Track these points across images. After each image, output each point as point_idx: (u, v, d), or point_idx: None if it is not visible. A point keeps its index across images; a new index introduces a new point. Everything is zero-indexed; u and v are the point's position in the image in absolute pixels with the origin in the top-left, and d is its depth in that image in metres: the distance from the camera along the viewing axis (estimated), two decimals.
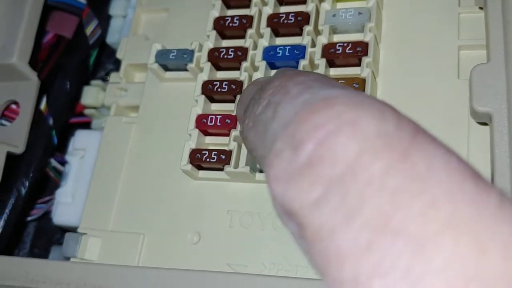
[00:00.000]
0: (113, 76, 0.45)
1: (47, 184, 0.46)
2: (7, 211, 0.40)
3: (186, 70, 0.40)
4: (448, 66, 0.36)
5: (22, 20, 0.41)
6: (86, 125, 0.46)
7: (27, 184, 0.41)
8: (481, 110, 0.31)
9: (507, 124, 0.30)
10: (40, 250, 0.46)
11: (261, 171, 0.37)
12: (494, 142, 0.30)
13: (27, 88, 0.42)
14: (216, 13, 0.40)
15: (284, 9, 0.40)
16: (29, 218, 0.45)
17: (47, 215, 0.45)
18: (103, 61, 0.50)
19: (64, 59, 0.45)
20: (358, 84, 0.35)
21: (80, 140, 0.43)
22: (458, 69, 0.35)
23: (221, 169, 0.36)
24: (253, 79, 0.38)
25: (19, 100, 0.42)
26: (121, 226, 0.39)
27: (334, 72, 0.37)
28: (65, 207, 0.42)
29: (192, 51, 0.40)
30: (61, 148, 0.45)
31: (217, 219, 0.37)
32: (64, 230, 0.42)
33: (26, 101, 0.42)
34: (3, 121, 0.43)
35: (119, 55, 0.44)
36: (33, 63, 0.43)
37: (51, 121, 0.43)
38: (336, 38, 0.38)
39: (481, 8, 0.35)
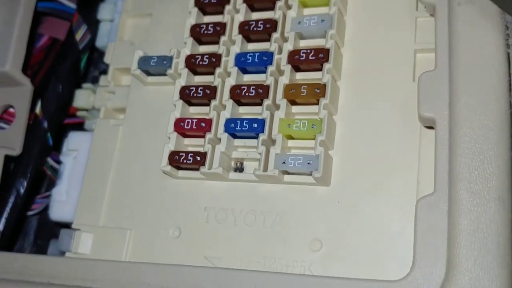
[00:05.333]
0: (102, 79, 0.48)
1: (45, 180, 0.50)
2: (7, 209, 0.44)
3: (166, 75, 0.43)
4: (405, 68, 0.38)
5: (13, 30, 0.44)
6: (80, 125, 0.50)
7: (25, 183, 0.45)
8: (426, 116, 0.34)
9: (448, 129, 0.33)
10: (43, 241, 0.50)
11: (235, 170, 0.40)
12: (437, 146, 0.33)
13: (21, 93, 0.45)
14: (192, 21, 0.43)
15: (255, 15, 0.43)
16: (31, 213, 0.49)
17: (47, 209, 0.49)
18: (95, 62, 0.53)
19: (56, 64, 0.48)
20: (319, 89, 0.38)
21: (73, 141, 0.47)
22: (414, 72, 0.38)
23: (197, 169, 0.40)
24: (225, 84, 0.41)
25: (15, 104, 0.45)
26: (110, 221, 0.43)
27: (300, 76, 0.40)
28: (60, 204, 0.45)
29: (171, 58, 0.43)
30: (57, 146, 0.49)
31: (195, 215, 0.40)
32: (61, 225, 0.45)
33: (21, 105, 0.45)
34: (2, 124, 0.47)
35: (106, 59, 0.47)
36: (26, 68, 0.46)
37: (46, 124, 0.47)
38: (303, 43, 0.41)
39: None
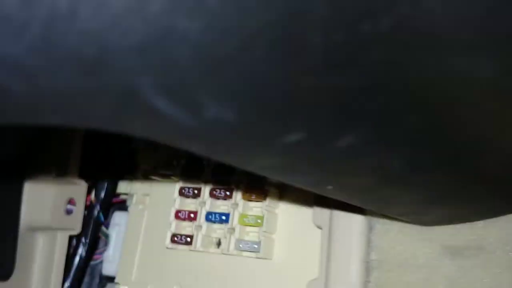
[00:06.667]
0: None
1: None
2: (73, 270, 0.66)
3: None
4: None
5: None
6: (124, 203, 0.70)
7: (85, 249, 0.66)
8: (317, 224, 0.52)
9: (328, 232, 0.50)
10: (104, 283, 0.72)
11: (216, 244, 0.59)
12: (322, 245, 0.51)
13: (79, 189, 0.66)
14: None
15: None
16: (95, 262, 0.71)
17: None
18: None
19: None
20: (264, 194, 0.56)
21: (116, 218, 0.68)
22: None
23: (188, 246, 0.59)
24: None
25: (75, 197, 0.66)
26: (137, 277, 0.63)
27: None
28: (109, 264, 0.67)
29: None
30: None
31: (189, 276, 0.60)
32: (110, 278, 0.66)
33: (80, 197, 0.66)
34: (70, 207, 0.68)
35: None
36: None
37: (98, 207, 0.67)
38: None
39: None
